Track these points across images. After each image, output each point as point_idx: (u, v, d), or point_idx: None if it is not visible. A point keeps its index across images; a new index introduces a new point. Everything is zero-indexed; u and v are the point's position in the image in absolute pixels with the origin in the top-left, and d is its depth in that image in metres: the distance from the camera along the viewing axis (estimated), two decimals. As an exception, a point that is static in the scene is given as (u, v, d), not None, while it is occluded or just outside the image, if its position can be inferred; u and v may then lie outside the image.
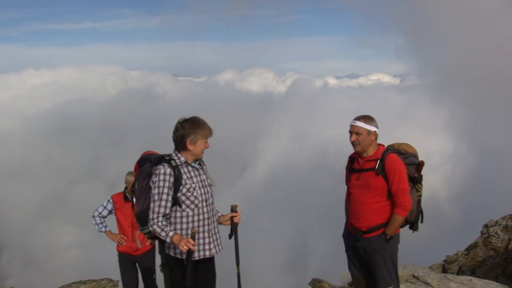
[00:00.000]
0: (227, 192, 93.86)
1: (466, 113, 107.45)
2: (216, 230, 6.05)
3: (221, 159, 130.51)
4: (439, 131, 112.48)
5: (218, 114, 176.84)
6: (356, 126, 6.18)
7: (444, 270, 23.03)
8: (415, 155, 6.43)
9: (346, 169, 6.61)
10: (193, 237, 5.53)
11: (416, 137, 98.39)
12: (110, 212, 8.95)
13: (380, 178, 6.09)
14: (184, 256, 5.65)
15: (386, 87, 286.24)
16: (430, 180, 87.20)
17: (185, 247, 5.41)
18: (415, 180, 6.39)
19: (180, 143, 5.76)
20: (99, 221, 8.97)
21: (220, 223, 6.18)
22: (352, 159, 6.54)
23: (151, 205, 5.65)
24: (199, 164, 6.01)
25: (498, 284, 10.25)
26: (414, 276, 9.45)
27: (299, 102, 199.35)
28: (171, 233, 5.54)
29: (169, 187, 5.60)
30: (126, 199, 8.75)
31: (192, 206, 5.72)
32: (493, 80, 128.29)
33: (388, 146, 6.42)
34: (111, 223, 9.14)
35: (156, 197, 5.62)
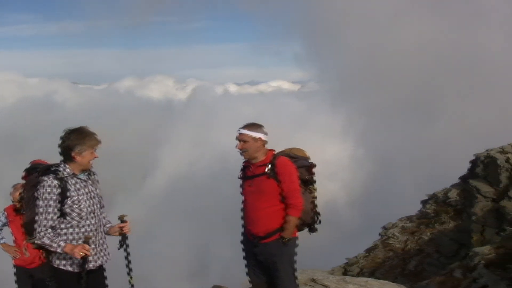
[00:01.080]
0: (128, 201, 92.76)
1: (363, 120, 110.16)
2: (103, 241, 5.96)
3: (121, 167, 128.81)
4: (338, 137, 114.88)
5: (119, 122, 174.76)
6: (242, 134, 6.27)
7: (346, 273, 23.53)
8: (305, 158, 6.56)
9: (240, 178, 6.67)
10: (87, 242, 5.46)
11: (316, 143, 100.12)
12: (4, 225, 8.69)
13: (271, 181, 6.18)
14: (69, 268, 5.58)
15: (286, 94, 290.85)
16: (330, 185, 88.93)
17: (80, 253, 5.34)
18: (308, 182, 6.51)
19: (66, 154, 5.62)
20: (-7, 233, 8.71)
21: (109, 234, 6.09)
22: (244, 167, 6.61)
23: (38, 218, 5.50)
24: (88, 174, 5.91)
25: (393, 284, 10.53)
26: (312, 280, 9.58)
27: (200, 109, 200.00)
28: (62, 243, 5.43)
29: (55, 200, 5.47)
30: (17, 211, 8.53)
31: (78, 218, 5.60)
32: (388, 87, 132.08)
33: (279, 151, 6.52)
34: (9, 235, 8.90)
35: (42, 210, 5.49)
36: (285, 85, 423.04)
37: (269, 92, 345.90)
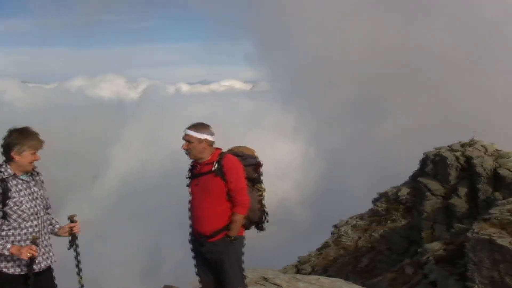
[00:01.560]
0: (78, 201, 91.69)
1: (314, 119, 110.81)
2: (47, 243, 5.84)
3: (71, 167, 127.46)
4: (289, 137, 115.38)
5: (69, 122, 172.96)
6: (187, 134, 6.22)
7: (298, 271, 23.60)
8: (253, 157, 6.53)
9: (188, 177, 6.62)
10: (34, 243, 5.36)
11: (267, 143, 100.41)
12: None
13: (218, 179, 6.14)
14: (11, 271, 5.47)
15: (238, 93, 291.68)
16: (282, 185, 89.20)
17: (27, 254, 5.24)
18: (255, 181, 6.49)
19: (6, 153, 5.50)
20: None
21: (59, 235, 5.97)
22: (192, 167, 6.57)
23: None
24: (31, 175, 5.79)
25: (344, 281, 10.58)
26: (263, 278, 9.56)
27: (152, 108, 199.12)
28: (8, 245, 5.31)
29: None
30: None
31: (20, 220, 5.48)
32: (339, 87, 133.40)
33: (227, 150, 6.48)
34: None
35: None
36: (237, 84, 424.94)
37: (221, 91, 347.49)
